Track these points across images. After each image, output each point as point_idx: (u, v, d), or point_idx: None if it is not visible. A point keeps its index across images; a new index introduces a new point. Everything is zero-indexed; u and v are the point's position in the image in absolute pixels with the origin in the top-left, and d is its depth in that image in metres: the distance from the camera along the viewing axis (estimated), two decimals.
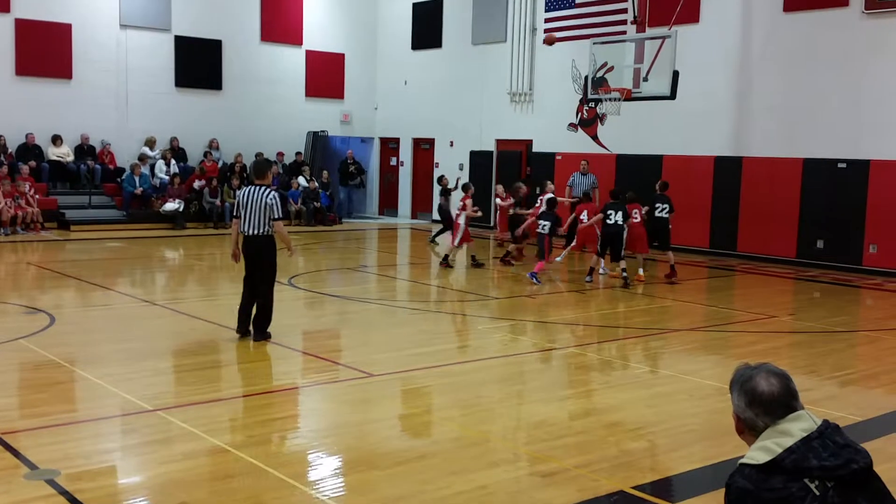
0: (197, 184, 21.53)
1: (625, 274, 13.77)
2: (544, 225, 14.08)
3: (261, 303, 9.02)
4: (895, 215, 15.36)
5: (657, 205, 14.47)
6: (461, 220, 15.30)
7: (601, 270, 14.57)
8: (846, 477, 2.39)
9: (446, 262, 15.42)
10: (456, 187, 18.30)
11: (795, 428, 2.47)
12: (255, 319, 9.05)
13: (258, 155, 23.52)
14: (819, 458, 2.40)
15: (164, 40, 22.46)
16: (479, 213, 15.95)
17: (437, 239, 19.11)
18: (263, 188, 8.89)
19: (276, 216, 8.82)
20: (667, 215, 14.43)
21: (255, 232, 8.84)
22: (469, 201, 15.58)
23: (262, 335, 9.02)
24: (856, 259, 15.93)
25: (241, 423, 6.57)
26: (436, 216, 23.21)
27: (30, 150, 20.52)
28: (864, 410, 7.20)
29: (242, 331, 9.13)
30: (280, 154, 24.06)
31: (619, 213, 13.71)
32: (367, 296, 12.63)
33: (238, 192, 9.20)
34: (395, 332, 10.22)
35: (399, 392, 7.66)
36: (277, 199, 8.86)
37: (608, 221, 13.79)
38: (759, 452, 2.46)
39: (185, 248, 18.33)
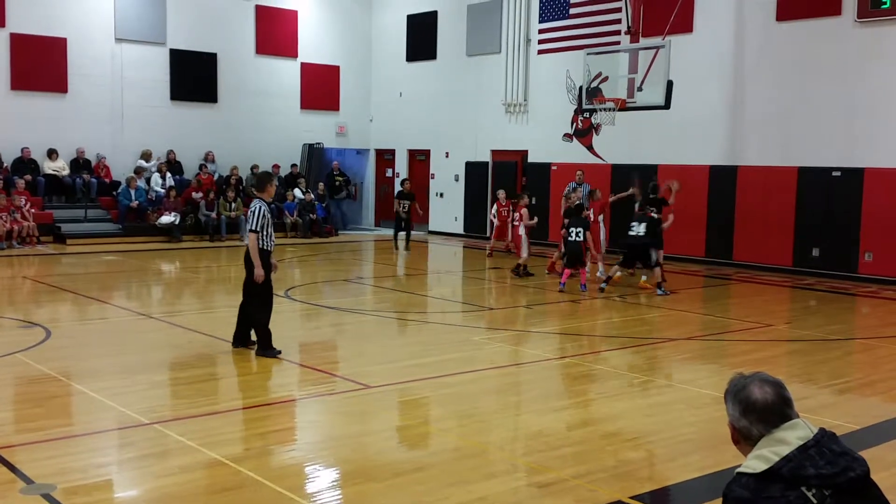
0: (195, 195, 21.53)
1: (660, 281, 13.79)
2: (577, 231, 13.86)
3: (249, 317, 9.04)
4: (890, 223, 15.41)
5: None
6: (521, 231, 15.35)
7: (598, 274, 14.74)
8: (843, 485, 2.40)
9: (526, 273, 15.40)
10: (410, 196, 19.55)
11: (792, 436, 2.47)
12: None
13: (254, 168, 23.61)
14: (816, 467, 2.40)
15: (160, 54, 22.50)
16: (536, 222, 15.86)
17: (405, 245, 19.54)
18: (255, 200, 8.90)
19: (251, 227, 8.71)
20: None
21: (245, 243, 9.02)
22: (525, 211, 15.57)
23: (262, 351, 8.87)
24: (851, 267, 15.96)
25: (238, 435, 6.55)
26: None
27: (25, 164, 20.51)
28: (860, 418, 7.20)
29: (237, 343, 9.17)
30: (276, 166, 24.07)
31: (643, 225, 13.62)
32: (363, 307, 12.62)
33: None
34: (392, 343, 10.21)
35: (396, 403, 7.65)
36: (256, 210, 8.70)
37: (630, 233, 13.72)
38: (756, 461, 2.47)
39: (182, 261, 18.32)
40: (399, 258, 18.97)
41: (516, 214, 15.74)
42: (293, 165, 24.36)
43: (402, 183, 20.66)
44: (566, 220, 14.44)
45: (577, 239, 13.81)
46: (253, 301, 8.92)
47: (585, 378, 8.70)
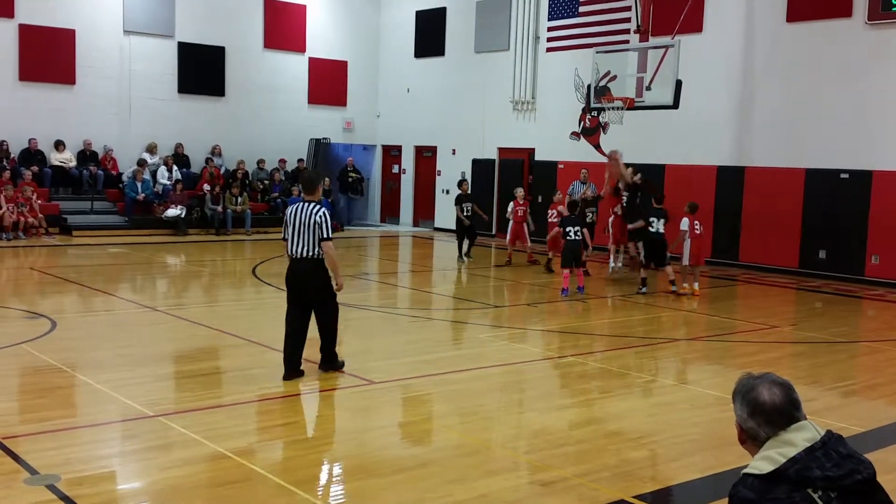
0: (206, 187, 21.56)
1: (672, 279, 13.66)
2: (575, 230, 13.43)
3: (323, 335, 8.03)
4: None
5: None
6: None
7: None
8: (849, 487, 2.39)
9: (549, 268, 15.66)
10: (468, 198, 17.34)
11: (799, 438, 2.46)
12: (320, 348, 8.11)
13: (260, 162, 23.65)
14: (822, 469, 2.39)
15: (168, 47, 22.51)
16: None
17: (467, 251, 17.40)
18: (312, 204, 7.79)
19: (325, 235, 7.72)
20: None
21: (303, 254, 7.74)
22: (561, 209, 15.37)
23: (331, 364, 8.07)
24: (858, 270, 15.91)
25: (241, 429, 6.55)
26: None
27: (32, 155, 20.55)
28: (865, 421, 7.18)
29: (291, 375, 7.86)
30: (282, 161, 24.10)
31: (662, 221, 13.47)
32: (368, 303, 12.62)
33: (287, 210, 8.01)
34: (396, 339, 10.21)
35: (399, 400, 7.65)
36: (327, 217, 7.76)
37: (651, 229, 13.52)
38: (763, 462, 2.46)
39: (187, 254, 18.33)
40: (404, 255, 18.94)
41: (552, 212, 15.63)
42: (299, 160, 24.35)
43: (461, 185, 17.80)
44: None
45: (577, 238, 13.48)
46: (330, 318, 8.02)
47: (589, 377, 8.69)
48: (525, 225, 17.00)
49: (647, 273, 13.88)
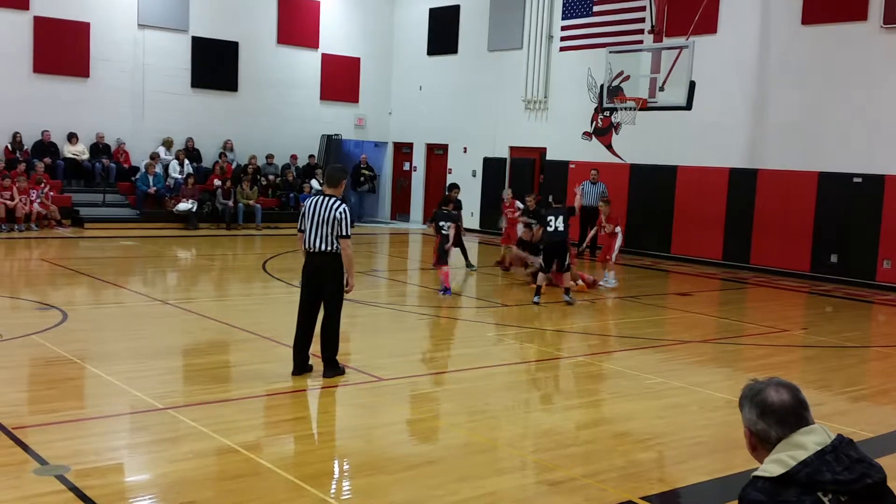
0: (217, 182, 21.63)
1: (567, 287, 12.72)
2: (447, 225, 13.15)
3: (325, 330, 7.79)
4: None
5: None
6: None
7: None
8: (860, 492, 2.38)
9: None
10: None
11: (809, 441, 2.46)
12: (322, 351, 7.85)
13: (268, 157, 23.67)
14: (833, 472, 2.39)
15: (182, 41, 22.57)
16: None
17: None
18: (333, 199, 7.61)
19: (344, 233, 7.57)
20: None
21: (320, 248, 7.58)
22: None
23: (333, 370, 7.81)
24: (869, 274, 15.84)
25: (250, 423, 6.57)
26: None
27: (46, 147, 20.65)
28: (874, 426, 7.15)
29: (299, 370, 7.81)
30: (293, 157, 24.14)
31: (561, 219, 12.46)
32: (377, 300, 12.63)
33: (305, 203, 7.87)
34: (405, 336, 10.22)
35: (407, 397, 7.65)
36: (348, 214, 7.60)
37: (549, 229, 12.50)
38: (773, 465, 2.45)
39: (198, 248, 18.39)
40: (413, 252, 18.93)
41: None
42: (311, 156, 24.40)
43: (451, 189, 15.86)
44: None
45: (447, 233, 13.13)
46: (335, 312, 7.82)
47: (597, 378, 8.68)
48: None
49: (545, 280, 12.67)
